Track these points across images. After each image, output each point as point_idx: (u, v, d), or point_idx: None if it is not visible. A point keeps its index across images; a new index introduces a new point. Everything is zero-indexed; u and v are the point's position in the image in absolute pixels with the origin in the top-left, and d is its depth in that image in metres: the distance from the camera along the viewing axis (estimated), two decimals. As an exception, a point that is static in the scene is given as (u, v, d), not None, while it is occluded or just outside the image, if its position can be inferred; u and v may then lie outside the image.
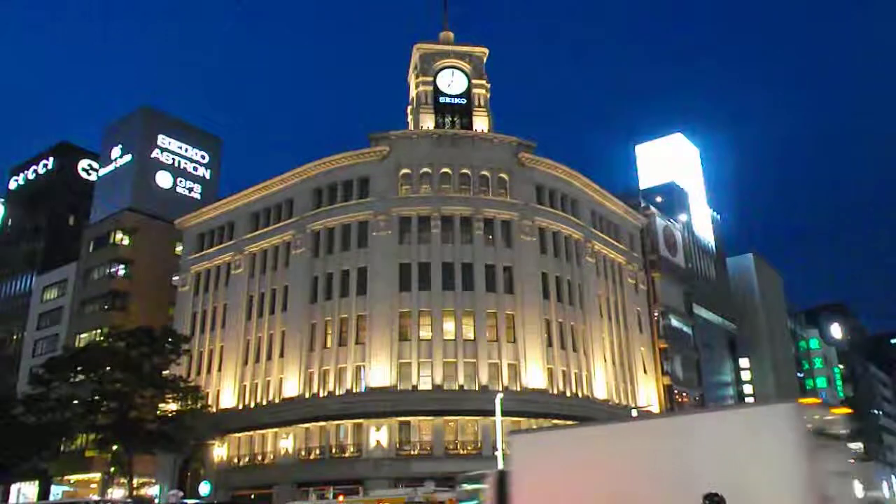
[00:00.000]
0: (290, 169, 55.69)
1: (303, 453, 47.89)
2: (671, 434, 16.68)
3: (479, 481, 21.41)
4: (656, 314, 63.23)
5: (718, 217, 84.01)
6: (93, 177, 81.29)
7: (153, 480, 53.88)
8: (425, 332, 48.06)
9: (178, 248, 64.61)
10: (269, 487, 48.32)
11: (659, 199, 70.10)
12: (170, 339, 48.04)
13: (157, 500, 50.62)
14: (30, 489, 63.61)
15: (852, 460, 16.05)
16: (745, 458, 14.27)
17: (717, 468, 13.99)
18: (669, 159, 78.38)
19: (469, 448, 45.86)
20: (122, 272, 66.86)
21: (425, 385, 46.80)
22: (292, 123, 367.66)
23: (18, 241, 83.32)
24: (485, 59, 60.48)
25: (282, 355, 51.48)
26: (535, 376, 48.11)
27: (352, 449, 46.65)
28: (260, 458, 50.43)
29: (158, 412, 46.75)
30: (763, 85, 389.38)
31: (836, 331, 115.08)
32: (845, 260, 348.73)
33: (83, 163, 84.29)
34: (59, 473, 60.16)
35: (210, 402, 52.35)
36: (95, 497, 49.82)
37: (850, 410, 19.28)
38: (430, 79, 58.71)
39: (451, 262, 49.64)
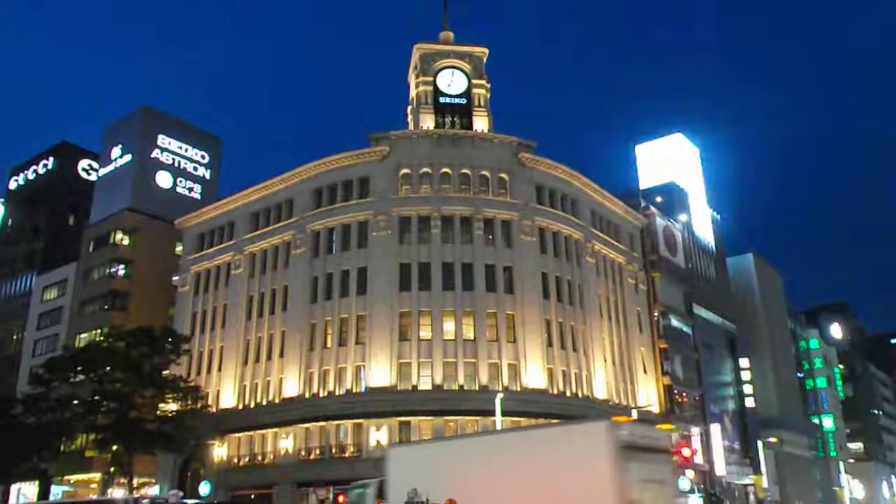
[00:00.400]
0: (290, 169, 55.70)
1: (303, 453, 47.92)
2: (515, 445, 19.93)
3: (365, 487, 24.73)
4: (656, 314, 63.23)
5: (718, 217, 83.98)
6: (93, 177, 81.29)
7: (153, 480, 53.87)
8: (425, 332, 48.08)
9: (178, 248, 64.63)
10: (269, 487, 48.37)
11: (659, 199, 70.06)
12: (170, 339, 48.05)
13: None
14: (30, 489, 63.59)
15: (666, 468, 18.56)
16: (569, 467, 16.90)
17: (550, 474, 16.64)
18: (669, 159, 78.33)
19: (469, 448, 45.78)
20: (122, 272, 66.87)
21: (425, 385, 46.82)
22: (292, 123, 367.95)
23: (18, 241, 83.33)
24: (485, 59, 60.49)
25: (282, 355, 51.49)
26: (535, 376, 48.11)
27: (352, 449, 46.66)
28: (260, 458, 50.45)
29: (158, 412, 46.75)
30: (763, 85, 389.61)
31: (836, 331, 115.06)
32: (845, 260, 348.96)
33: (83, 163, 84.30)
34: (59, 473, 60.13)
35: (210, 402, 52.38)
36: (95, 497, 49.82)
37: (671, 427, 22.86)
38: (430, 79, 58.72)
39: (451, 262, 49.66)
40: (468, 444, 22.86)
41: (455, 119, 57.54)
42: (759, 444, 69.75)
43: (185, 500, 39.80)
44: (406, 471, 21.09)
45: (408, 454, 24.26)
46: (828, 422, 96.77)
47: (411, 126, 58.35)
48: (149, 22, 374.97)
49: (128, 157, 74.00)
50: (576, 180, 56.75)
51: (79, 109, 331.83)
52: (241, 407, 52.75)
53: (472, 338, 48.04)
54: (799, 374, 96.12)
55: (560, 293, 51.95)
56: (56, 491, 61.31)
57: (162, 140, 75.12)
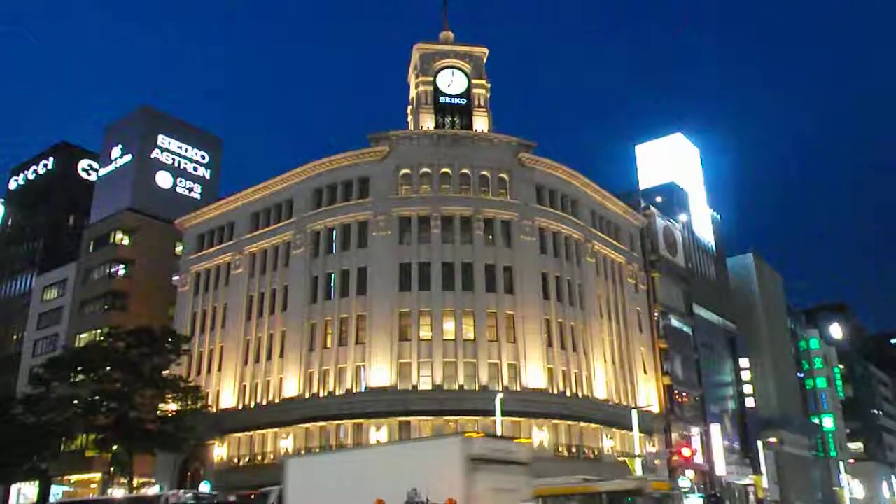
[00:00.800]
0: (290, 169, 55.70)
1: (303, 453, 47.87)
2: (388, 458, 23.01)
3: (267, 494, 27.62)
4: (656, 314, 63.21)
5: (718, 217, 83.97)
6: (93, 177, 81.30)
7: (153, 480, 53.88)
8: (425, 332, 48.07)
9: (178, 248, 64.62)
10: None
11: (659, 199, 70.04)
12: (170, 339, 48.08)
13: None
14: (30, 489, 63.62)
15: (519, 478, 20.75)
16: (430, 477, 19.11)
17: (416, 483, 18.82)
18: (669, 159, 78.29)
19: (469, 448, 45.77)
20: (122, 272, 66.88)
21: (425, 385, 46.81)
22: (292, 123, 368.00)
23: (18, 241, 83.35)
24: (485, 59, 60.50)
25: (282, 355, 51.49)
26: (535, 376, 48.11)
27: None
28: (260, 458, 50.43)
29: (158, 412, 46.78)
30: (763, 85, 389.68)
31: (836, 331, 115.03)
32: (845, 260, 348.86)
33: (83, 163, 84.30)
34: (59, 473, 60.13)
35: (210, 402, 52.39)
36: (94, 496, 49.83)
37: (527, 440, 28.99)
38: (430, 79, 58.73)
39: (451, 262, 49.64)
40: (352, 457, 26.46)
41: (455, 119, 57.55)
42: (759, 444, 69.76)
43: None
44: (301, 480, 23.93)
45: (303, 464, 27.10)
46: (828, 422, 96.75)
47: (411, 126, 58.35)
48: (149, 22, 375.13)
49: (128, 157, 74.02)
50: (576, 180, 56.74)
51: (79, 109, 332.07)
52: (241, 407, 52.75)
53: (472, 338, 48.03)
54: (799, 374, 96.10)
55: (560, 293, 51.94)
56: (56, 491, 61.32)
57: (162, 140, 75.14)
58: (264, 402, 51.40)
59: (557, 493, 27.56)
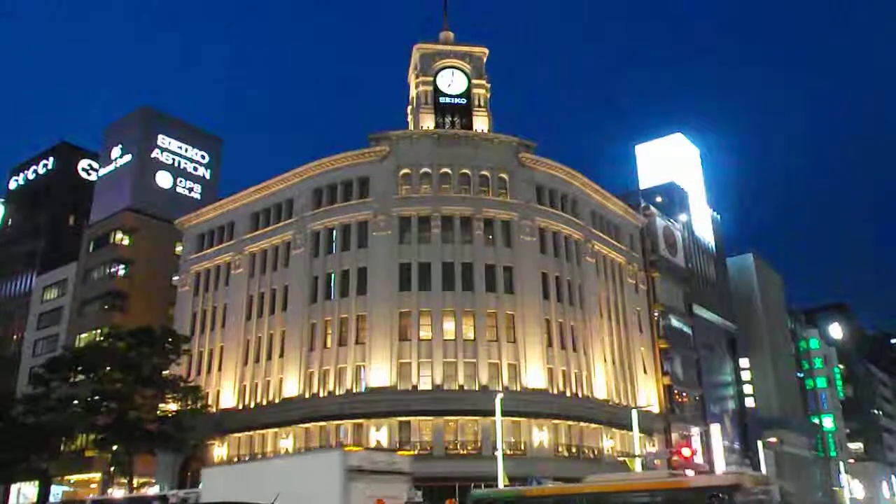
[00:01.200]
0: (290, 169, 55.71)
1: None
2: (281, 470, 26.01)
3: (187, 498, 31.41)
4: (656, 314, 63.21)
5: (718, 217, 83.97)
6: (93, 177, 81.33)
7: (153, 480, 53.88)
8: (425, 332, 48.07)
9: (178, 248, 64.63)
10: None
11: (659, 199, 70.08)
12: (170, 339, 48.02)
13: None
14: (30, 489, 63.60)
15: (399, 486, 23.59)
16: (315, 486, 22.26)
17: (303, 492, 21.13)
18: (669, 159, 78.32)
19: (469, 448, 45.87)
20: (122, 272, 66.89)
21: (425, 385, 46.81)
22: (292, 123, 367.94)
23: (18, 241, 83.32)
24: (485, 59, 60.49)
25: (282, 355, 51.50)
26: (535, 376, 48.11)
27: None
28: (260, 458, 50.30)
29: (158, 412, 46.74)
30: (763, 85, 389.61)
31: (836, 331, 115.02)
32: (845, 260, 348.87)
33: (83, 163, 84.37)
34: (59, 473, 60.13)
35: (210, 402, 52.37)
36: (94, 497, 49.78)
37: (409, 452, 29.57)
38: (430, 79, 58.72)
39: (451, 262, 49.64)
40: (254, 468, 29.83)
41: (455, 119, 57.52)
42: (759, 444, 69.69)
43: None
44: (214, 487, 27.45)
45: (215, 474, 30.78)
46: (828, 422, 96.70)
47: (411, 126, 58.34)
48: (149, 22, 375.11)
49: (128, 157, 74.04)
50: (576, 180, 56.74)
51: (79, 109, 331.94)
52: (241, 407, 52.76)
53: (472, 338, 48.03)
54: (799, 374, 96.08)
55: (560, 293, 51.94)
56: (56, 491, 61.33)
57: (162, 140, 75.17)
58: (264, 402, 51.40)
59: (638, 489, 24.74)
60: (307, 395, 49.00)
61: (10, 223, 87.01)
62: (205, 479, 29.42)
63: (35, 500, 61.16)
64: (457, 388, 46.72)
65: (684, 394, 63.26)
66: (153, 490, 52.61)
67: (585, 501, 23.78)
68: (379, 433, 45.57)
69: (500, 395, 40.83)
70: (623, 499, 23.23)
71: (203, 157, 78.61)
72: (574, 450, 48.95)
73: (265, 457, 49.81)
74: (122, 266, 67.02)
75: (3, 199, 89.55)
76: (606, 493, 23.71)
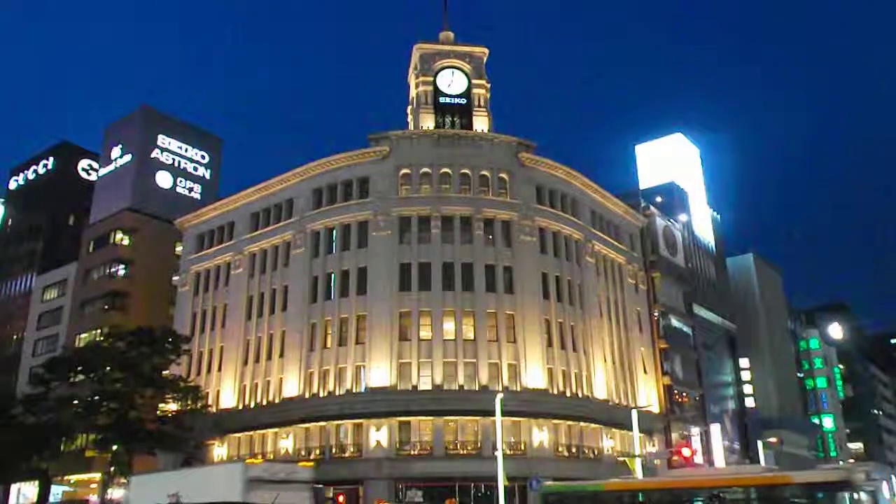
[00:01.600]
0: (290, 169, 55.69)
1: (303, 453, 47.84)
2: (193, 480, 29.46)
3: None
4: (656, 314, 63.19)
5: (718, 217, 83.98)
6: (93, 177, 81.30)
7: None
8: (425, 332, 48.04)
9: (178, 248, 64.62)
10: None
11: (659, 199, 70.06)
12: (170, 339, 48.00)
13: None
14: (30, 489, 63.53)
15: (301, 494, 26.93)
16: (222, 494, 25.46)
17: (216, 499, 24.92)
18: (669, 159, 78.36)
19: (469, 448, 45.86)
20: (122, 272, 66.88)
21: (425, 385, 46.78)
22: (292, 123, 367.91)
23: (18, 241, 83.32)
24: (485, 59, 60.48)
25: (282, 355, 51.49)
26: (535, 376, 48.09)
27: (352, 449, 46.62)
28: (260, 458, 50.31)
29: (158, 412, 46.73)
30: (763, 85, 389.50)
31: (836, 331, 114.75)
32: (845, 260, 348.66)
33: (83, 163, 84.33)
34: (59, 473, 60.06)
35: (210, 402, 52.37)
36: (93, 497, 49.77)
37: (311, 464, 31.52)
38: (430, 79, 58.71)
39: (451, 262, 49.62)
40: (172, 476, 32.83)
41: (455, 119, 57.52)
42: (759, 444, 69.66)
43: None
44: (142, 494, 31.08)
45: (143, 481, 33.37)
46: (828, 422, 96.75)
47: (411, 126, 58.33)
48: (149, 22, 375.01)
49: (128, 157, 74.01)
50: (576, 180, 56.72)
51: (79, 109, 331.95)
52: (241, 407, 52.74)
53: (472, 338, 48.01)
54: (799, 374, 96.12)
55: (560, 293, 51.92)
56: (56, 491, 61.26)
57: (162, 140, 75.13)
58: (264, 402, 51.39)
59: (733, 483, 23.21)
60: (307, 395, 48.98)
61: (10, 223, 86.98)
62: (132, 486, 33.50)
63: (35, 500, 61.03)
64: (457, 388, 46.70)
65: (684, 394, 63.24)
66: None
67: (670, 497, 22.65)
68: (379, 433, 45.56)
69: (500, 395, 40.75)
70: (709, 494, 21.78)
71: (203, 157, 78.59)
72: (574, 450, 48.94)
73: (264, 457, 49.96)
74: (122, 266, 67.00)
75: (3, 199, 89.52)
76: (694, 488, 22.36)
